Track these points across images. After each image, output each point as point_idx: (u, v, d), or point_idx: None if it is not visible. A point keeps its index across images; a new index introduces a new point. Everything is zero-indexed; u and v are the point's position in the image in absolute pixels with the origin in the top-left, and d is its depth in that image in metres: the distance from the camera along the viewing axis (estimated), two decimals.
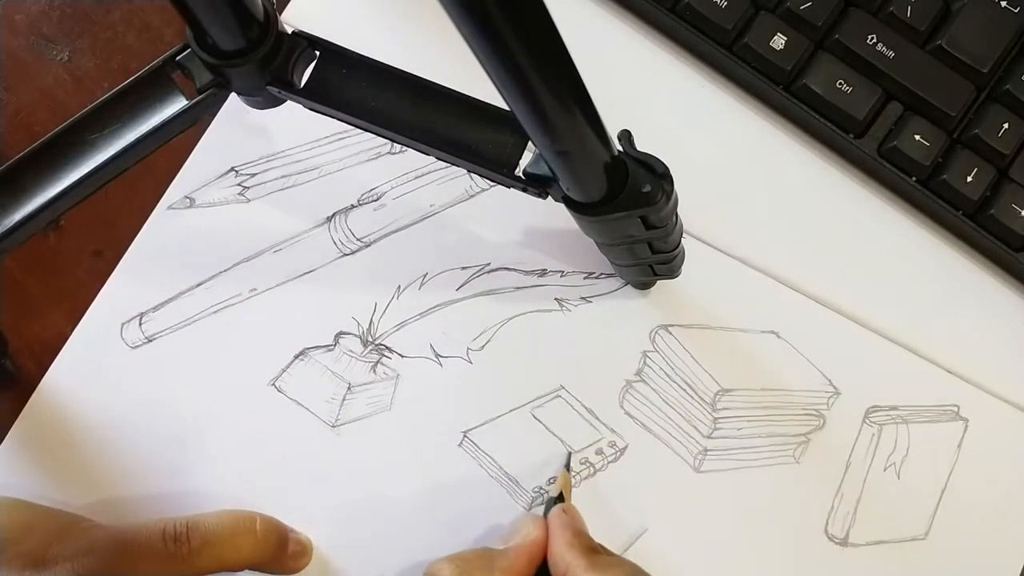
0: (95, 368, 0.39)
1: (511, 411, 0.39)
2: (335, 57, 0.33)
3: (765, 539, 0.39)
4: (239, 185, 0.41)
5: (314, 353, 0.39)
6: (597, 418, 0.39)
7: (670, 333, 0.40)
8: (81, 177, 0.31)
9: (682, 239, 0.36)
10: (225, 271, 0.40)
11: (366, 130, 0.33)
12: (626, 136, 0.31)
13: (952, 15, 0.41)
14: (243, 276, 0.40)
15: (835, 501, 0.39)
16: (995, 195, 0.41)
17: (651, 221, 0.32)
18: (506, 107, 0.26)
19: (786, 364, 0.40)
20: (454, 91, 0.33)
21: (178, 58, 0.31)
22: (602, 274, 0.41)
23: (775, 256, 0.41)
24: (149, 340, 0.39)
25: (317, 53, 0.33)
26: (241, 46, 0.30)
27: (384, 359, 0.40)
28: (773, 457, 0.39)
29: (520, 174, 0.33)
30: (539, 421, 0.39)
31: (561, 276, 0.41)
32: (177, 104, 0.32)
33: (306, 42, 0.32)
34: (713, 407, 0.40)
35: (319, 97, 0.32)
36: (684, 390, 0.40)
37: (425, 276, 0.40)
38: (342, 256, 0.40)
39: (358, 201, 0.41)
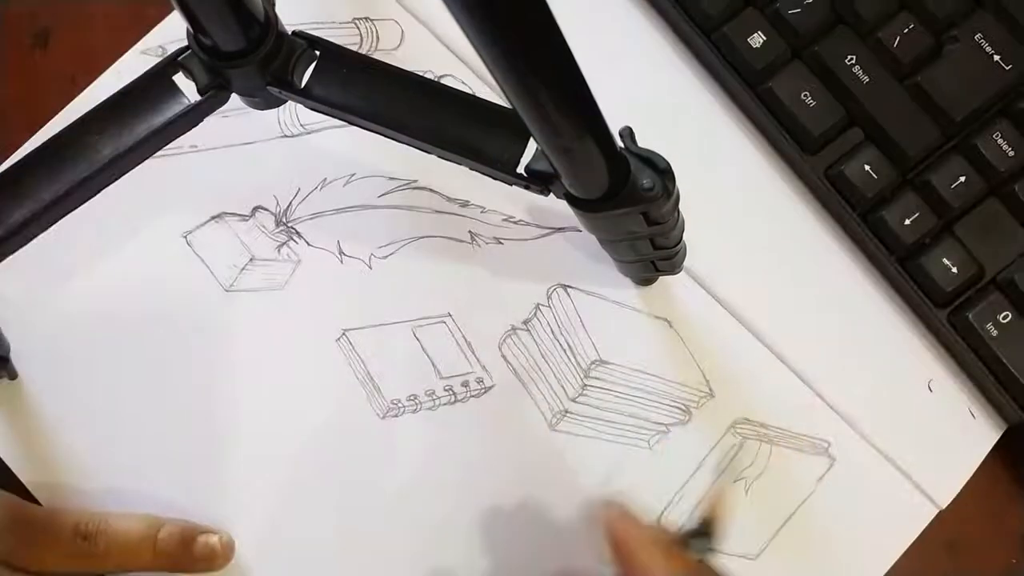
0: None
1: (394, 323, 0.41)
2: (335, 57, 0.33)
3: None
4: None
5: (230, 219, 0.41)
6: (473, 352, 0.40)
7: (567, 294, 0.41)
8: (83, 179, 0.32)
9: (684, 242, 0.37)
10: None
11: (367, 129, 0.34)
12: (628, 133, 0.31)
13: (940, 56, 0.40)
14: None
15: (675, 497, 0.39)
16: (931, 245, 0.40)
17: (653, 217, 0.32)
18: (506, 104, 0.26)
19: (669, 354, 0.40)
20: (454, 89, 0.33)
21: (179, 59, 0.32)
22: (521, 220, 0.41)
23: (694, 248, 0.41)
24: None
25: (317, 53, 0.33)
26: (241, 47, 0.30)
27: (292, 242, 0.41)
28: (629, 438, 0.40)
29: (522, 171, 0.32)
30: (417, 340, 0.40)
31: (481, 212, 0.42)
32: (179, 105, 0.32)
33: (306, 42, 0.32)
34: (587, 374, 0.40)
35: (320, 97, 0.33)
36: (564, 351, 0.40)
37: (352, 175, 0.42)
38: (282, 136, 0.42)
39: None
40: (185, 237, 0.41)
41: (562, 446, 0.40)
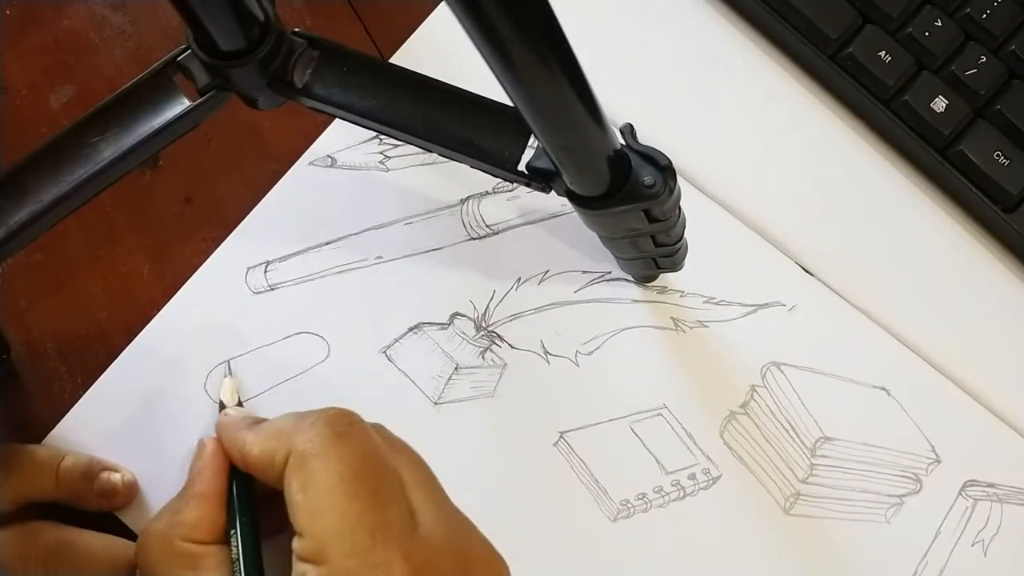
0: (214, 307, 0.39)
1: (610, 420, 0.39)
2: (335, 56, 0.32)
3: None
4: (381, 153, 0.41)
5: (428, 329, 0.40)
6: (695, 443, 0.39)
7: (781, 371, 0.40)
8: (83, 180, 0.31)
9: (685, 239, 0.37)
10: (355, 234, 0.40)
11: (368, 128, 0.33)
12: (628, 129, 0.32)
13: None
14: (372, 242, 0.40)
15: (919, 567, 0.39)
16: None
17: (654, 214, 0.32)
18: (508, 102, 0.26)
19: (892, 423, 0.40)
20: (454, 87, 0.33)
21: (179, 59, 0.31)
22: (722, 300, 0.41)
23: (899, 314, 0.41)
24: (271, 288, 0.40)
25: (317, 53, 0.32)
26: (241, 46, 0.30)
27: (494, 346, 0.40)
28: (864, 513, 0.39)
29: (523, 169, 0.33)
30: (636, 436, 0.39)
31: (681, 296, 0.41)
32: (179, 106, 0.31)
33: (306, 42, 0.32)
34: (813, 452, 0.39)
35: (320, 97, 0.32)
36: (787, 430, 0.40)
37: (546, 273, 0.41)
38: (469, 240, 0.41)
39: (493, 189, 0.41)
40: (384, 352, 0.39)
41: (799, 530, 0.39)
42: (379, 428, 0.32)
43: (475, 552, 0.31)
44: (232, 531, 0.32)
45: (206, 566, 0.31)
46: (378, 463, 0.30)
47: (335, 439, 0.30)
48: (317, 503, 0.29)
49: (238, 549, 0.32)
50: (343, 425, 0.31)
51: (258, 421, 0.34)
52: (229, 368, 0.39)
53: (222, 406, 0.37)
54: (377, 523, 0.28)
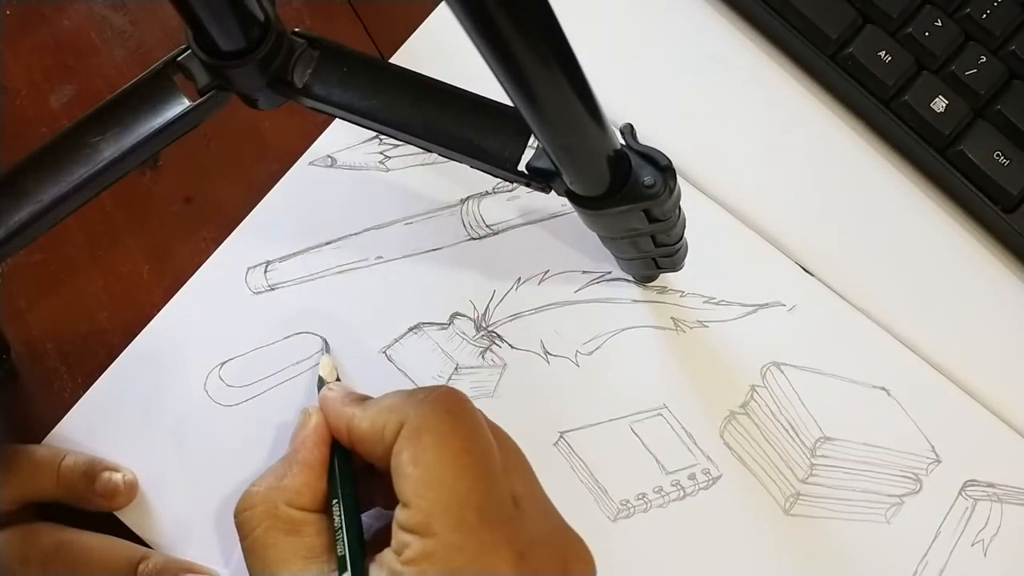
0: (214, 307, 0.39)
1: (610, 420, 0.39)
2: (335, 56, 0.32)
3: None
4: (381, 153, 0.41)
5: (428, 329, 0.40)
6: (695, 443, 0.39)
7: (782, 372, 0.40)
8: (83, 180, 0.31)
9: (685, 239, 0.37)
10: (355, 234, 0.40)
11: (368, 128, 0.33)
12: (628, 129, 0.32)
13: None
14: (372, 242, 0.40)
15: (919, 567, 0.39)
16: None
17: (654, 214, 0.32)
18: (507, 102, 0.26)
19: (892, 423, 0.40)
20: (454, 87, 0.33)
21: (179, 59, 0.31)
22: (723, 300, 0.41)
23: (899, 314, 0.41)
24: (271, 288, 0.40)
25: (317, 53, 0.32)
26: (241, 46, 0.30)
27: (494, 346, 0.40)
28: (864, 513, 0.39)
29: (523, 169, 0.33)
30: (636, 435, 0.39)
31: (681, 296, 0.41)
32: (179, 106, 0.31)
33: (306, 42, 0.32)
34: (813, 452, 0.39)
35: (320, 97, 0.32)
36: (787, 431, 0.40)
37: (546, 273, 0.41)
38: (469, 240, 0.41)
39: (493, 189, 0.41)
40: (384, 352, 0.39)
41: (799, 530, 0.39)
42: (482, 413, 0.33)
43: (572, 547, 0.32)
44: (335, 501, 0.32)
45: (308, 532, 0.31)
46: (487, 444, 0.31)
47: (448, 416, 0.30)
48: (427, 475, 0.29)
49: (340, 519, 0.31)
50: (455, 403, 0.31)
51: (362, 398, 0.34)
52: (327, 345, 0.39)
53: (322, 382, 0.37)
54: (484, 503, 0.29)
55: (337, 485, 0.33)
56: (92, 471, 0.36)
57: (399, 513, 0.29)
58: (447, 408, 0.30)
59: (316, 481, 0.32)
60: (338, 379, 0.38)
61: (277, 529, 0.31)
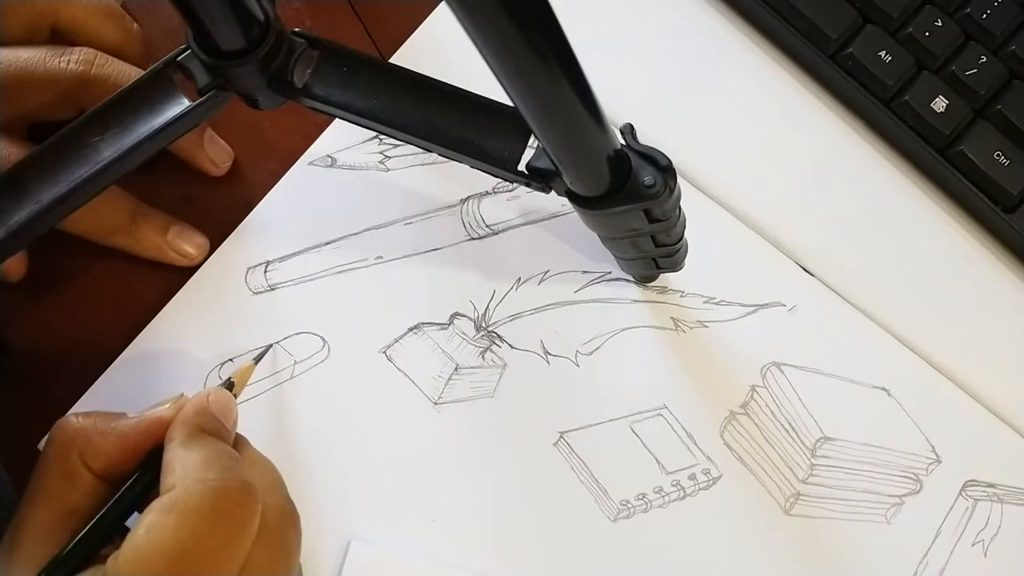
0: (214, 307, 0.39)
1: (610, 420, 0.39)
2: (335, 56, 0.32)
3: None
4: (381, 153, 0.41)
5: (428, 329, 0.40)
6: (695, 443, 0.39)
7: (782, 372, 0.40)
8: (83, 180, 0.31)
9: (685, 239, 0.37)
10: (355, 234, 0.40)
11: (368, 128, 0.33)
12: (629, 129, 0.32)
13: None
14: (372, 242, 0.40)
15: (919, 567, 0.39)
16: None
17: (654, 214, 0.33)
18: (507, 102, 0.27)
19: (892, 423, 0.40)
20: (454, 87, 0.33)
21: (179, 59, 0.31)
22: (722, 300, 0.41)
23: (899, 314, 0.41)
24: (271, 288, 0.40)
25: (317, 53, 0.32)
26: (241, 46, 0.30)
27: (494, 346, 0.40)
28: (865, 513, 0.39)
29: (523, 169, 0.33)
30: (637, 436, 0.39)
31: (681, 296, 0.41)
32: (179, 106, 0.31)
33: (306, 42, 0.32)
34: (813, 453, 0.39)
35: (320, 97, 0.32)
36: (787, 431, 0.40)
37: (546, 273, 0.41)
38: (469, 240, 0.41)
39: (493, 189, 0.41)
40: (384, 352, 0.39)
41: (799, 530, 0.39)
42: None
43: None
44: (124, 487, 0.31)
45: (80, 489, 0.30)
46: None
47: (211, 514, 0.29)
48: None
49: (103, 517, 0.30)
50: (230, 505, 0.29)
51: (203, 430, 0.31)
52: (264, 353, 0.38)
53: (229, 385, 0.35)
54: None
55: (134, 481, 0.31)
56: (164, 223, 0.39)
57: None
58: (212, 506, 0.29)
59: (121, 458, 0.31)
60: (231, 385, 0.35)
61: (56, 462, 0.30)
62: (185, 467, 0.30)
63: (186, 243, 0.39)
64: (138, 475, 0.31)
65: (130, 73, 0.36)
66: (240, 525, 0.29)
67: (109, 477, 0.31)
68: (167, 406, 0.32)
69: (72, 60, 0.36)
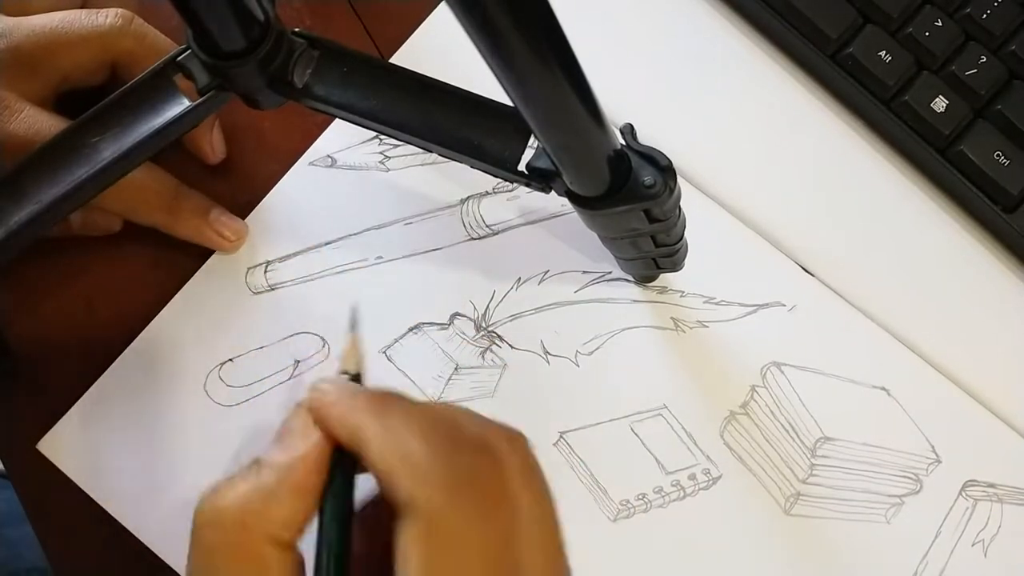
0: (214, 307, 0.39)
1: (610, 420, 0.39)
2: (335, 56, 0.32)
3: None
4: (381, 153, 0.41)
5: (428, 329, 0.40)
6: (695, 443, 0.39)
7: (782, 372, 0.40)
8: (83, 180, 0.31)
9: (685, 239, 0.37)
10: (355, 235, 0.40)
11: (368, 128, 0.33)
12: (629, 129, 0.32)
13: None
14: (371, 243, 0.40)
15: (919, 567, 0.39)
16: None
17: (654, 214, 0.33)
18: (507, 102, 0.27)
19: (892, 423, 0.40)
20: (454, 87, 0.33)
21: (179, 59, 0.31)
22: (722, 300, 0.41)
23: (899, 314, 0.41)
24: (271, 288, 0.40)
25: (317, 53, 0.32)
26: (241, 46, 0.30)
27: (494, 346, 0.40)
28: (865, 513, 0.39)
29: (523, 169, 0.33)
30: (637, 436, 0.39)
31: (681, 296, 0.41)
32: (179, 106, 0.31)
33: (306, 42, 0.32)
34: (813, 453, 0.39)
35: (320, 97, 0.32)
36: (787, 431, 0.40)
37: (546, 273, 0.41)
38: (469, 240, 0.41)
39: (493, 189, 0.41)
40: (384, 352, 0.39)
41: (799, 530, 0.39)
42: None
43: None
44: (323, 544, 0.26)
45: (275, 570, 0.25)
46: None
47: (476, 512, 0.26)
48: None
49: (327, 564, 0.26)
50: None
51: (377, 397, 0.27)
52: (355, 319, 0.33)
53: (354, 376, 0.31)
54: None
55: (328, 520, 0.26)
56: (204, 206, 0.39)
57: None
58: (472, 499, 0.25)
59: (306, 510, 0.26)
60: (358, 375, 0.31)
61: (239, 560, 0.25)
62: (402, 458, 0.25)
63: (225, 227, 0.39)
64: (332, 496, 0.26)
65: (163, 37, 0.37)
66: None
67: (301, 535, 0.26)
68: (301, 431, 0.27)
69: (109, 15, 0.36)
